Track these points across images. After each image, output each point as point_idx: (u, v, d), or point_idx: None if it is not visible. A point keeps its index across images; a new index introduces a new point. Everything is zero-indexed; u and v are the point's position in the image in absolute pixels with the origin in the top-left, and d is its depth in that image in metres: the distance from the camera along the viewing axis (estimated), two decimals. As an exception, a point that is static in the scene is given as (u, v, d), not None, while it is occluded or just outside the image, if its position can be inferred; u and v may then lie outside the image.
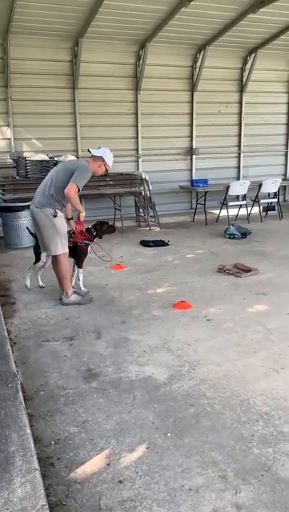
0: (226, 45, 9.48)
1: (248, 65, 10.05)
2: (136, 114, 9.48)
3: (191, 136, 10.08)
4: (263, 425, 2.68)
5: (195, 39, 9.17)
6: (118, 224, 8.62)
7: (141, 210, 9.24)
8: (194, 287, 5.27)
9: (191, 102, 9.90)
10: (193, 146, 10.10)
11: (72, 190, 4.36)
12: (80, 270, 5.09)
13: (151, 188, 8.94)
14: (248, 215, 9.50)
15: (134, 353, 3.63)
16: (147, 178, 8.88)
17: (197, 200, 9.74)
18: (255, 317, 4.35)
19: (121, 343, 3.82)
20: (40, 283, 5.34)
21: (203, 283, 5.41)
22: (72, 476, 2.31)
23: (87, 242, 4.99)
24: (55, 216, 4.55)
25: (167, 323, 4.22)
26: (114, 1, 7.03)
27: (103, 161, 4.63)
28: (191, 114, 9.97)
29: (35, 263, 5.12)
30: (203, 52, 9.40)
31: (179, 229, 8.90)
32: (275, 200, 9.91)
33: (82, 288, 5.06)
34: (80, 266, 5.08)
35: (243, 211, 9.58)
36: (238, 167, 10.81)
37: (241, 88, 10.30)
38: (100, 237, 5.15)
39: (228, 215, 9.11)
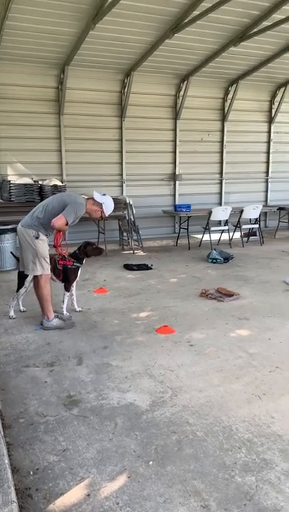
0: (209, 75, 9.80)
1: (230, 95, 10.36)
2: (120, 140, 9.63)
3: (175, 163, 10.26)
4: (245, 452, 2.66)
5: (178, 69, 9.45)
6: (102, 247, 8.66)
7: (125, 234, 9.29)
8: (177, 312, 5.27)
9: (175, 130, 10.12)
10: (177, 172, 10.27)
11: (58, 222, 4.41)
12: (67, 294, 5.05)
13: (135, 212, 9.01)
14: (230, 240, 9.64)
15: (116, 379, 3.59)
16: (131, 203, 8.97)
17: (180, 224, 9.85)
18: (238, 342, 4.36)
19: (103, 369, 3.77)
20: (21, 307, 5.27)
21: (186, 307, 5.42)
22: (50, 507, 2.24)
23: (77, 264, 5.00)
24: (36, 238, 4.54)
25: (150, 349, 4.19)
26: (100, 30, 7.22)
27: (101, 208, 4.70)
28: (175, 141, 10.18)
29: (17, 290, 5.02)
30: (186, 82, 9.67)
31: (162, 253, 8.95)
32: (257, 225, 10.09)
33: (65, 312, 5.01)
34: (67, 289, 5.04)
35: (225, 236, 9.71)
36: (220, 193, 11.00)
37: (223, 117, 10.58)
38: (86, 257, 5.12)
39: (210, 240, 9.22)
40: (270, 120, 11.13)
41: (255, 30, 7.82)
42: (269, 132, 11.22)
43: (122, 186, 9.80)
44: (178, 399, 3.27)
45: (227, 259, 8.09)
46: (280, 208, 10.70)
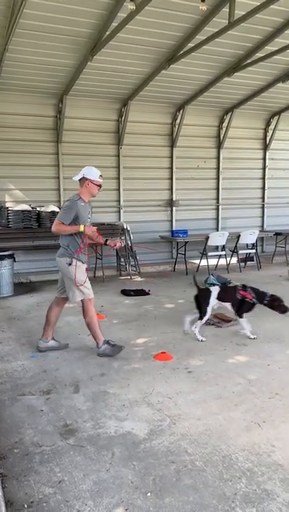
0: (204, 104, 10.02)
1: (225, 123, 10.57)
2: (118, 167, 9.76)
3: (171, 189, 10.38)
4: (246, 483, 2.59)
5: (174, 98, 9.67)
6: (99, 273, 8.65)
7: (122, 260, 9.30)
8: (175, 338, 5.23)
9: (171, 157, 10.28)
10: (174, 198, 10.38)
11: (54, 227, 4.48)
12: (242, 319, 5.24)
13: (132, 237, 9.05)
14: (228, 265, 9.65)
15: (113, 408, 3.53)
16: (128, 228, 9.01)
17: (178, 250, 9.88)
18: (236, 368, 4.31)
19: (100, 397, 3.71)
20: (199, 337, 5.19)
21: (183, 333, 5.37)
22: None
23: (255, 301, 5.14)
24: (69, 264, 4.50)
25: (148, 376, 4.14)
26: (98, 62, 7.41)
27: (86, 179, 4.57)
28: (171, 168, 10.32)
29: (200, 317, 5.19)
30: (182, 110, 9.88)
31: (159, 278, 8.95)
32: (254, 250, 10.13)
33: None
34: (240, 316, 5.23)
35: (223, 261, 9.73)
36: (217, 218, 11.09)
37: (219, 144, 10.77)
38: (268, 307, 5.21)
39: (208, 265, 9.23)
40: (265, 147, 11.33)
41: (249, 61, 8.05)
42: (264, 159, 11.41)
43: (119, 212, 9.88)
44: (176, 427, 3.21)
45: (224, 284, 8.07)
46: (277, 233, 10.76)
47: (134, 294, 7.47)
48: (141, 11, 5.83)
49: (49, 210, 8.37)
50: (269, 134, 11.23)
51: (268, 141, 11.28)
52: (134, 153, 9.85)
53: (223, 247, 9.68)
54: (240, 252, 9.93)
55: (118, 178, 9.78)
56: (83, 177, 4.59)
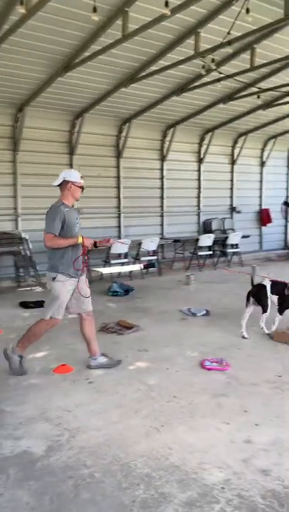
0: (103, 113, 10.11)
1: (124, 133, 10.76)
2: (15, 173, 9.40)
3: (72, 197, 10.26)
4: (144, 489, 2.61)
5: (73, 106, 9.60)
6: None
7: (21, 270, 8.96)
8: (76, 349, 5.14)
9: (71, 165, 10.18)
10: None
11: (47, 241, 4.14)
12: (280, 316, 5.59)
13: (31, 247, 8.77)
14: (130, 272, 9.79)
15: (9, 427, 3.35)
16: (27, 237, 8.72)
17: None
18: (137, 375, 4.36)
19: (-6, 417, 3.51)
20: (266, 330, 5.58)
21: (84, 343, 5.29)
22: None
23: None
24: (53, 279, 4.21)
25: (46, 390, 4.00)
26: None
27: (68, 182, 4.32)
28: (71, 175, 10.21)
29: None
30: (81, 118, 9.85)
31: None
32: (155, 257, 10.40)
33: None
34: (280, 313, 5.57)
35: (125, 269, 9.85)
36: (119, 226, 11.21)
37: (118, 154, 10.92)
38: None
39: (111, 273, 9.27)
40: (163, 158, 11.74)
41: (144, 73, 8.30)
42: (162, 169, 11.81)
43: (16, 220, 9.51)
44: (75, 440, 3.15)
45: (127, 291, 8.18)
46: (176, 240, 11.19)
47: (35, 305, 7.20)
48: (34, 16, 5.73)
49: None
50: (166, 146, 11.66)
51: (165, 152, 11.70)
52: (33, 160, 9.58)
53: (126, 255, 9.80)
54: (142, 259, 10.14)
55: (15, 185, 9.43)
56: (64, 180, 4.32)
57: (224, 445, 3.06)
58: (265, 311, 5.52)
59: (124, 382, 4.16)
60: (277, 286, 5.59)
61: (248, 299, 5.61)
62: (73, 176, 4.38)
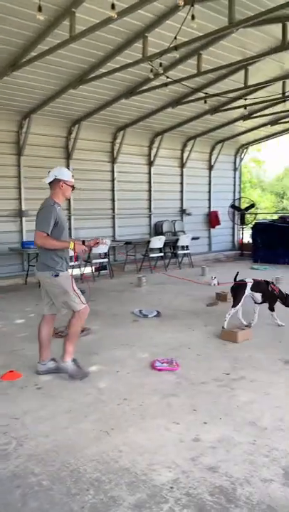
0: (52, 114, 9.98)
1: (73, 135, 10.66)
2: None
3: (20, 199, 10.04)
4: (93, 494, 2.59)
5: (20, 106, 9.41)
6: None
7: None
8: (25, 354, 5.02)
9: (18, 166, 9.96)
10: (23, 209, 10.05)
11: (38, 239, 4.06)
12: (273, 314, 6.05)
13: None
14: (82, 275, 9.70)
15: None
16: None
17: (29, 262, 9.57)
18: (87, 378, 4.31)
19: None
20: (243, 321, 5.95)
21: (34, 349, 5.15)
22: None
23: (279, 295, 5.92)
24: (56, 276, 4.13)
25: (-7, 398, 3.88)
26: None
27: (59, 181, 4.19)
28: (19, 177, 10.00)
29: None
30: (28, 119, 9.66)
31: (8, 293, 8.54)
32: (106, 260, 10.37)
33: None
34: (272, 309, 5.99)
35: (77, 271, 9.74)
36: (70, 229, 11.07)
37: (68, 155, 10.80)
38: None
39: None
40: (113, 160, 11.74)
41: (93, 75, 8.27)
42: (112, 172, 11.80)
43: None
44: (23, 448, 3.06)
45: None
46: (127, 243, 11.20)
47: None
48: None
49: None
50: (116, 148, 11.67)
51: (115, 155, 11.70)
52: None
53: (77, 257, 9.67)
54: (94, 261, 10.07)
55: None
56: (55, 179, 4.16)
57: (173, 445, 3.09)
58: (234, 306, 5.82)
59: (73, 387, 4.11)
60: (260, 285, 5.93)
61: (232, 294, 6.00)
62: (65, 174, 4.28)
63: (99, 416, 3.54)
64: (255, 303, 5.98)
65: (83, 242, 4.34)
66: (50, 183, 4.24)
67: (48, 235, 4.07)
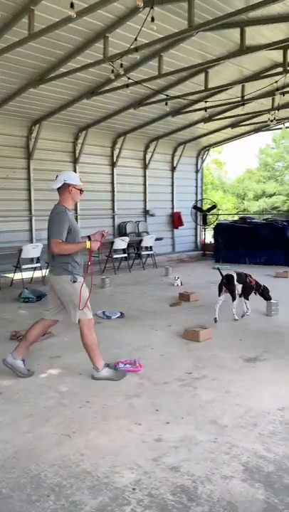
0: (11, 114, 9.79)
1: (34, 134, 10.49)
2: None
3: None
4: (54, 499, 2.54)
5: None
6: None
7: None
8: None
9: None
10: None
11: (54, 247, 4.00)
12: (247, 301, 6.51)
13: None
14: (43, 277, 9.54)
15: None
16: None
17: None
18: (49, 382, 4.25)
19: None
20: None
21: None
22: None
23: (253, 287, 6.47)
24: (74, 282, 4.09)
25: None
26: None
27: (69, 185, 4.10)
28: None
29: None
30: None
31: None
32: (69, 261, 10.24)
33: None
34: (246, 298, 6.46)
35: (39, 274, 9.59)
36: (31, 230, 10.89)
37: (28, 155, 10.61)
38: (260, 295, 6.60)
39: (22, 279, 8.96)
40: (75, 160, 11.64)
41: (53, 75, 8.16)
42: (74, 172, 11.66)
43: None
44: (-19, 457, 2.98)
45: (40, 297, 7.95)
46: (90, 244, 11.11)
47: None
48: None
49: None
50: (78, 148, 11.57)
51: (77, 155, 11.60)
52: None
53: (38, 259, 9.53)
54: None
55: None
56: (64, 183, 4.06)
57: (136, 446, 3.09)
58: (234, 298, 6.26)
59: (35, 391, 4.03)
60: (241, 276, 6.37)
61: (220, 290, 6.30)
62: (73, 178, 4.21)
63: (60, 419, 3.49)
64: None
65: (89, 238, 4.27)
66: (58, 189, 4.18)
67: (62, 241, 4.04)
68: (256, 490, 2.59)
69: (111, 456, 2.96)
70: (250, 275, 6.53)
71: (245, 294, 6.47)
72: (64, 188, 4.15)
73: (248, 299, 6.50)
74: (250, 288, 6.46)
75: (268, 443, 3.09)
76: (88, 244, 4.10)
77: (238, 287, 6.32)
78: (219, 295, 6.30)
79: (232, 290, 6.24)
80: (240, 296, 6.41)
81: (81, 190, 4.27)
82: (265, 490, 2.58)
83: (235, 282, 6.26)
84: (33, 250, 9.25)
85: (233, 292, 6.25)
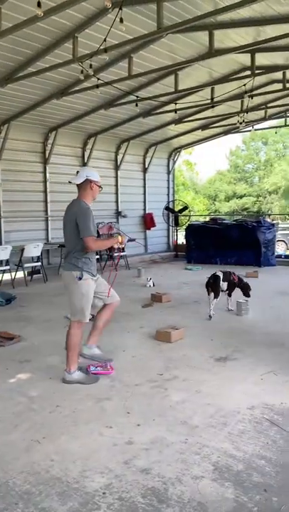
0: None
1: (2, 134, 10.30)
2: None
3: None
4: (22, 507, 2.49)
5: None
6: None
7: None
8: None
9: None
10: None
11: (92, 244, 4.04)
12: (229, 298, 6.93)
13: None
14: (13, 280, 9.38)
15: None
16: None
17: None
18: (18, 387, 4.17)
19: None
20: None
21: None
22: None
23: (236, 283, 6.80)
24: (80, 279, 4.08)
25: None
26: None
27: (91, 181, 4.11)
28: None
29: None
30: None
31: None
32: (39, 263, 10.11)
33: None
34: (229, 295, 6.87)
35: (7, 276, 9.42)
36: None
37: (-3, 156, 10.43)
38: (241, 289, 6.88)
39: (-9, 282, 8.78)
40: (45, 161, 11.49)
41: (21, 74, 8.03)
42: (45, 172, 11.54)
43: None
44: None
45: (9, 300, 7.81)
46: (61, 245, 10.98)
47: None
48: None
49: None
50: (48, 149, 11.43)
51: (47, 155, 11.46)
52: None
53: (7, 262, 9.37)
54: (26, 265, 9.79)
55: None
56: (86, 179, 4.03)
57: (107, 449, 3.06)
58: (216, 296, 6.53)
59: (3, 396, 3.95)
60: (226, 275, 6.68)
61: (208, 289, 6.57)
62: (95, 175, 4.21)
63: (30, 425, 3.42)
64: (222, 291, 6.64)
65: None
66: (79, 184, 4.16)
67: (94, 237, 4.10)
68: (226, 489, 2.61)
69: (81, 460, 2.93)
70: (233, 273, 6.87)
71: (229, 292, 6.82)
72: (86, 184, 4.16)
73: (230, 296, 6.87)
74: (234, 285, 6.80)
75: (237, 442, 3.12)
76: (120, 238, 4.30)
77: (224, 285, 6.65)
78: (208, 294, 6.59)
79: (217, 289, 6.51)
80: (227, 293, 6.82)
81: (100, 187, 4.29)
82: (235, 489, 2.61)
83: (221, 282, 6.56)
84: (1, 253, 9.08)
85: (218, 291, 6.52)
